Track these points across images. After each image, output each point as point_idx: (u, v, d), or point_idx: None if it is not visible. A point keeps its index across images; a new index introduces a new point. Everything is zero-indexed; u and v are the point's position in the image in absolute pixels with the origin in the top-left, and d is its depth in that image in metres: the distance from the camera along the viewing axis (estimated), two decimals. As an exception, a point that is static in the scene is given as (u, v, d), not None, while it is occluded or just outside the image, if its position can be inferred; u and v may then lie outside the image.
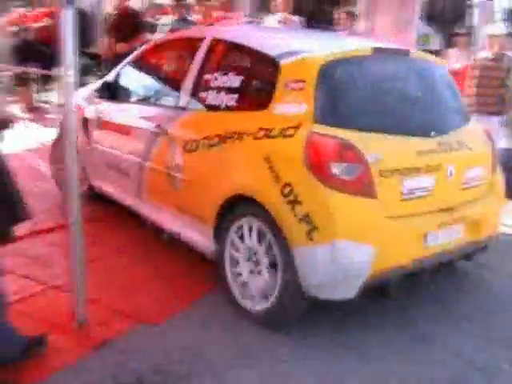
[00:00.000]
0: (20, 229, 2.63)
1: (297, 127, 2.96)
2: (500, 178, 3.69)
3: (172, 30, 6.61)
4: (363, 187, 2.86)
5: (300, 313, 3.12)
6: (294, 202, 2.85)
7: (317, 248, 2.82)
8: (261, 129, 3.10)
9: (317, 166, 2.83)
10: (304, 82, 3.03)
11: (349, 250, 2.81)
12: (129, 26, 7.23)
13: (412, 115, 3.26)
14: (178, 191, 3.63)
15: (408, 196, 3.01)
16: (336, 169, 2.82)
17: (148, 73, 4.44)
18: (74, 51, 2.66)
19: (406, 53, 3.48)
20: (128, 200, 4.24)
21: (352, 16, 6.69)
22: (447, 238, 3.20)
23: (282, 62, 3.18)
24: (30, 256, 3.82)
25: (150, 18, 8.91)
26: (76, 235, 2.87)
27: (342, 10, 6.74)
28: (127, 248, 4.09)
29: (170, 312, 3.23)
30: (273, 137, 3.03)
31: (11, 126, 2.54)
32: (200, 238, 3.51)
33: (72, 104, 2.81)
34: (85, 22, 9.65)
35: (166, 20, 7.40)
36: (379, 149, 2.93)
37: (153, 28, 7.69)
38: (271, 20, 7.00)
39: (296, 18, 6.98)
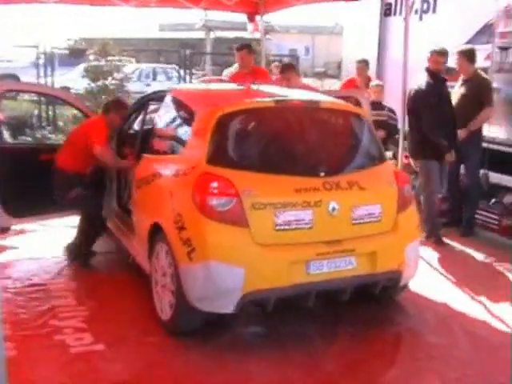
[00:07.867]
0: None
1: (194, 167, 3.60)
2: (410, 217, 3.95)
3: None
4: (235, 217, 3.39)
5: (196, 323, 3.64)
6: (181, 228, 3.46)
7: (195, 266, 3.39)
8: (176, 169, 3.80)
9: (199, 198, 3.43)
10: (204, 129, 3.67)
11: (220, 270, 3.34)
12: None
13: (299, 158, 3.72)
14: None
15: (282, 227, 3.46)
16: (213, 201, 3.40)
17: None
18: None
19: (314, 104, 3.97)
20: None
21: None
22: (334, 268, 3.58)
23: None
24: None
25: None
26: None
27: None
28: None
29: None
30: (178, 175, 3.71)
31: None
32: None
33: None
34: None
35: None
36: (254, 185, 3.44)
37: None
38: None
39: None
